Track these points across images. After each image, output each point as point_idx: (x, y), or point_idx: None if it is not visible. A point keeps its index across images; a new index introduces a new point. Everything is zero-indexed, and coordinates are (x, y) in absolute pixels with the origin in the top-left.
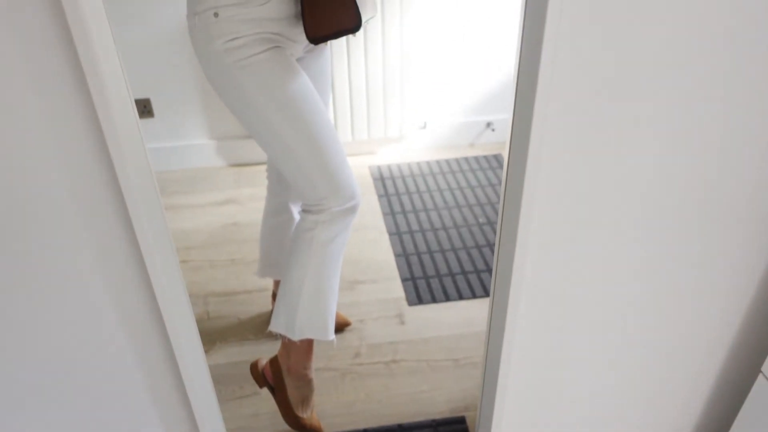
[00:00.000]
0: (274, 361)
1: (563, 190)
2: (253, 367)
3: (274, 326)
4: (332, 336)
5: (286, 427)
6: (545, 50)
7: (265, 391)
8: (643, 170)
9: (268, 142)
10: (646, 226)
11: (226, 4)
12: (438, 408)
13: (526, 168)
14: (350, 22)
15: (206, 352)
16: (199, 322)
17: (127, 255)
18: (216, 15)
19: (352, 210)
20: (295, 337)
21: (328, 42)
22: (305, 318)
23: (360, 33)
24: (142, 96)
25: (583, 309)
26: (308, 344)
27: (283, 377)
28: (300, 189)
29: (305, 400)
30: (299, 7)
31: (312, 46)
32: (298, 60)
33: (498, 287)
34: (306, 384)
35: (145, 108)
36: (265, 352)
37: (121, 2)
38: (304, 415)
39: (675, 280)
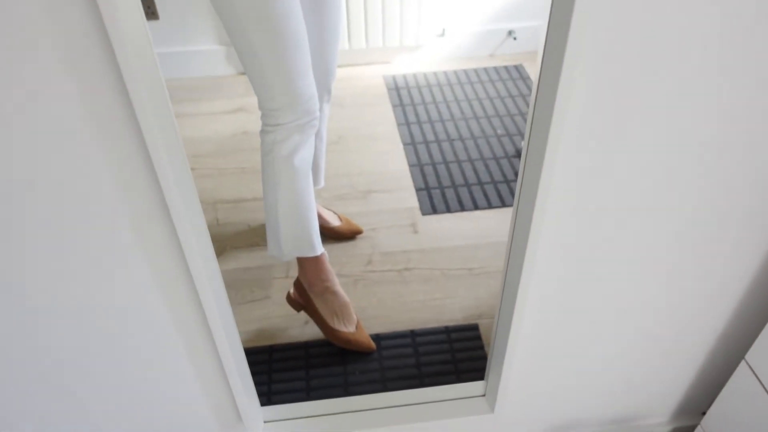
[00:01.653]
0: (297, 282)
1: (602, 94)
2: (288, 295)
3: (269, 251)
4: (319, 251)
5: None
6: None
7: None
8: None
9: (236, 42)
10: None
11: None
12: (451, 315)
13: (562, 67)
14: None
15: (216, 257)
16: (209, 228)
17: (138, 163)
18: None
19: (308, 126)
20: (284, 257)
21: None
22: (289, 238)
23: None
24: None
25: (611, 225)
26: (315, 259)
27: (308, 295)
28: (259, 96)
29: (338, 312)
30: None
31: None
32: None
33: (524, 192)
34: (332, 296)
35: (149, 9)
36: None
37: None
38: (346, 329)
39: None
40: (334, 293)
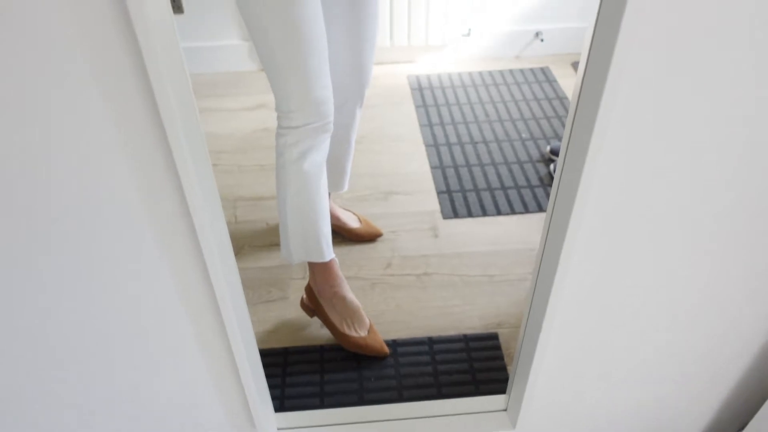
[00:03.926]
0: (307, 287)
1: (652, 96)
2: (301, 300)
3: (280, 253)
4: (328, 257)
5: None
6: None
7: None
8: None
9: (255, 40)
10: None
11: None
12: (470, 323)
13: (610, 68)
14: None
15: (234, 255)
16: (228, 225)
17: (159, 157)
18: None
19: (321, 129)
20: (293, 261)
21: None
22: (297, 242)
23: None
24: None
25: (649, 233)
26: (323, 265)
27: (318, 300)
28: (275, 96)
29: (348, 317)
30: None
31: None
32: None
33: (560, 198)
34: (340, 302)
35: (174, 2)
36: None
37: None
38: (357, 334)
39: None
40: (343, 298)
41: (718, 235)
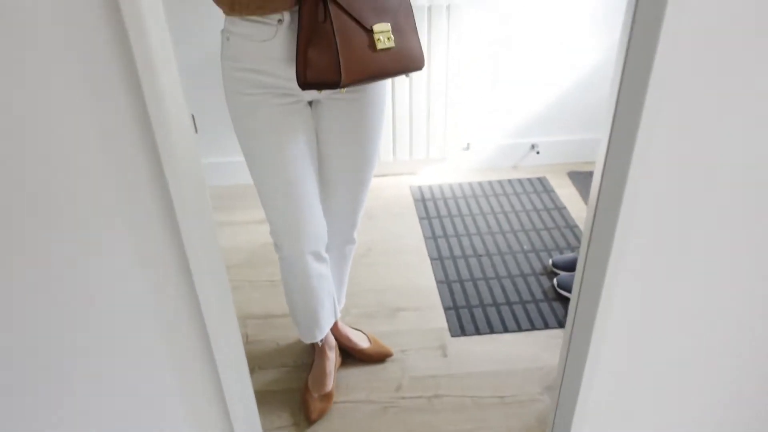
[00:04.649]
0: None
1: (668, 213)
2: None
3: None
4: (305, 340)
5: None
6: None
7: (304, 422)
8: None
9: (247, 164)
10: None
11: (235, 32)
12: None
13: (626, 186)
14: (334, 76)
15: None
16: None
17: (177, 274)
18: (228, 39)
19: (312, 258)
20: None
21: (378, 82)
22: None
23: None
24: None
25: (678, 353)
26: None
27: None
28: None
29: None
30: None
31: (352, 89)
32: (329, 101)
33: (579, 320)
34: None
35: None
36: (303, 380)
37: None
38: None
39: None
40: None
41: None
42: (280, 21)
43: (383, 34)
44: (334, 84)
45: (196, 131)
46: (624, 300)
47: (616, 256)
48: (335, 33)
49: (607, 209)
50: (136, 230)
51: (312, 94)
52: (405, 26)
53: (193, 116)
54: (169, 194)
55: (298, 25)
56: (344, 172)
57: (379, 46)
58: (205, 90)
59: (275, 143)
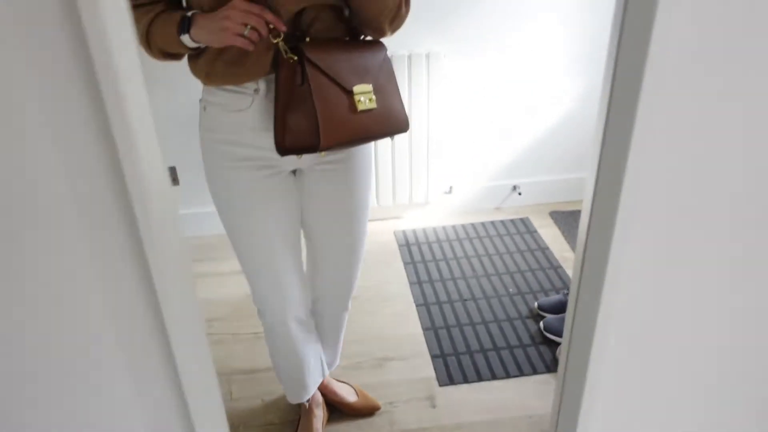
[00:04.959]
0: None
1: (658, 255)
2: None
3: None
4: (292, 401)
5: None
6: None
7: None
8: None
9: (227, 233)
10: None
11: (212, 102)
12: None
13: (615, 226)
14: (313, 140)
15: None
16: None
17: (150, 329)
18: (205, 109)
19: (295, 324)
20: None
21: (364, 149)
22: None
23: None
24: (168, 164)
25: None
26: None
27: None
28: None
29: None
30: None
31: (335, 154)
32: (313, 171)
33: (571, 368)
34: None
35: (171, 176)
36: None
37: (148, 70)
38: None
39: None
40: None
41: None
42: (256, 91)
43: (364, 95)
44: (313, 148)
45: (178, 183)
46: (617, 346)
47: (607, 300)
48: (314, 95)
49: (595, 253)
50: (107, 283)
51: (293, 163)
52: (387, 87)
53: (174, 168)
54: (144, 252)
55: (276, 91)
56: (334, 243)
57: (360, 107)
58: (187, 140)
59: (254, 217)
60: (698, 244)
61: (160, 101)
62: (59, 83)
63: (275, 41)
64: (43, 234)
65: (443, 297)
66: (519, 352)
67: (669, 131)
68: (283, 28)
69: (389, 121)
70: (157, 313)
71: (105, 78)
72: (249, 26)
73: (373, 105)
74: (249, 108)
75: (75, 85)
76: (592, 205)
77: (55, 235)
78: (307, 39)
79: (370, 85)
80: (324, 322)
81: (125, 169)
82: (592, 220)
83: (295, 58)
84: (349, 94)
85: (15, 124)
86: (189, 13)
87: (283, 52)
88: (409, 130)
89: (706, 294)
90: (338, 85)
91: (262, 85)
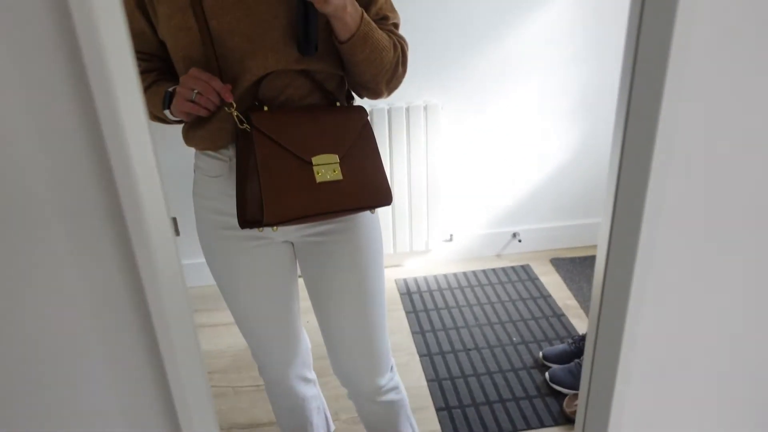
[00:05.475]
0: None
1: (680, 310)
2: None
3: None
4: None
5: None
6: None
7: None
8: None
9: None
10: None
11: (199, 165)
12: None
13: (632, 283)
14: (259, 214)
15: None
16: None
17: (153, 386)
18: (195, 172)
19: (267, 382)
20: None
21: (364, 218)
22: None
23: (386, 149)
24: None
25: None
26: None
27: None
28: None
29: None
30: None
31: (326, 225)
32: (307, 244)
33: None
34: None
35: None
36: None
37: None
38: None
39: None
40: None
41: None
42: (230, 158)
43: (325, 166)
44: (260, 223)
45: (179, 234)
46: (636, 407)
47: (625, 359)
48: (259, 166)
49: (612, 312)
50: (109, 334)
51: (282, 234)
52: (361, 156)
53: (175, 219)
54: (147, 305)
55: (237, 159)
56: (344, 325)
57: (319, 179)
58: (187, 191)
59: (246, 287)
60: (723, 289)
61: (159, 151)
62: (61, 135)
63: (229, 111)
64: (43, 286)
65: (446, 347)
66: (525, 404)
67: (687, 172)
68: (229, 99)
69: (362, 194)
70: (162, 374)
71: (110, 134)
72: (195, 91)
73: (338, 176)
74: (226, 175)
75: (79, 136)
76: (608, 253)
77: (55, 286)
78: (265, 108)
79: (336, 155)
80: (364, 411)
81: (127, 218)
82: (608, 276)
83: (248, 128)
84: (309, 165)
85: (12, 175)
86: (170, 89)
87: (238, 122)
88: (408, 179)
89: (734, 345)
90: (294, 155)
91: (233, 152)
